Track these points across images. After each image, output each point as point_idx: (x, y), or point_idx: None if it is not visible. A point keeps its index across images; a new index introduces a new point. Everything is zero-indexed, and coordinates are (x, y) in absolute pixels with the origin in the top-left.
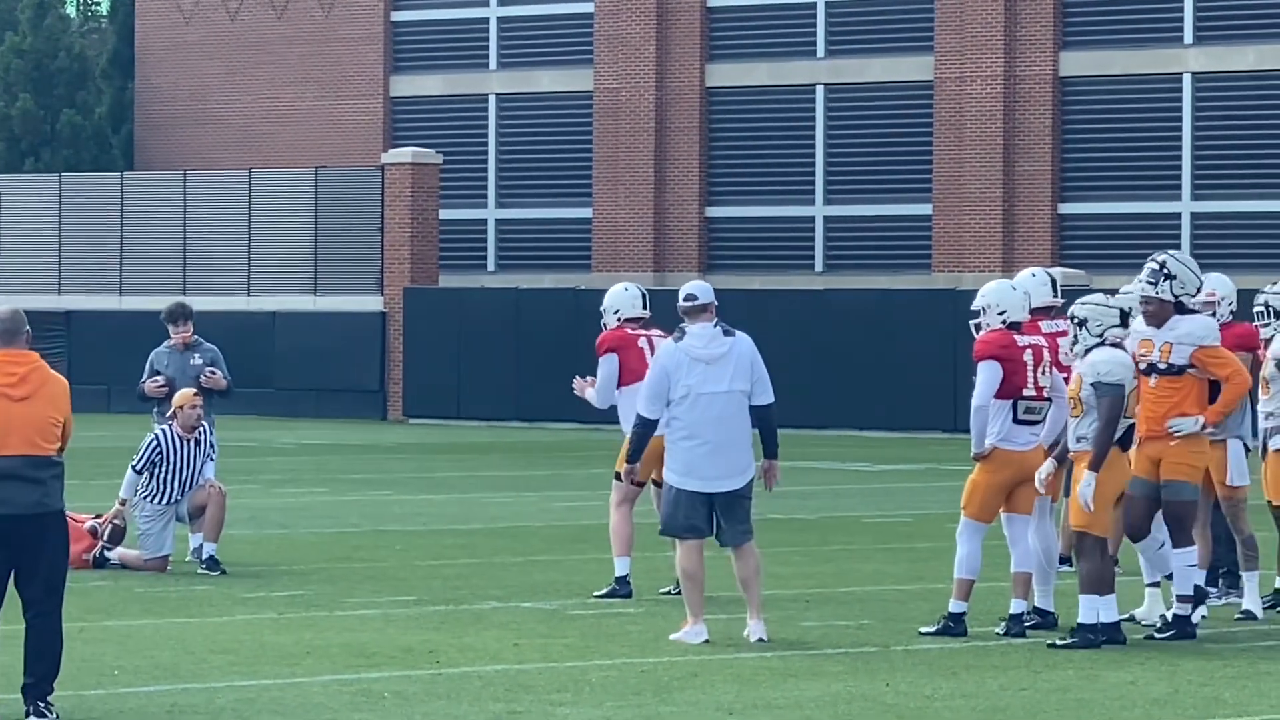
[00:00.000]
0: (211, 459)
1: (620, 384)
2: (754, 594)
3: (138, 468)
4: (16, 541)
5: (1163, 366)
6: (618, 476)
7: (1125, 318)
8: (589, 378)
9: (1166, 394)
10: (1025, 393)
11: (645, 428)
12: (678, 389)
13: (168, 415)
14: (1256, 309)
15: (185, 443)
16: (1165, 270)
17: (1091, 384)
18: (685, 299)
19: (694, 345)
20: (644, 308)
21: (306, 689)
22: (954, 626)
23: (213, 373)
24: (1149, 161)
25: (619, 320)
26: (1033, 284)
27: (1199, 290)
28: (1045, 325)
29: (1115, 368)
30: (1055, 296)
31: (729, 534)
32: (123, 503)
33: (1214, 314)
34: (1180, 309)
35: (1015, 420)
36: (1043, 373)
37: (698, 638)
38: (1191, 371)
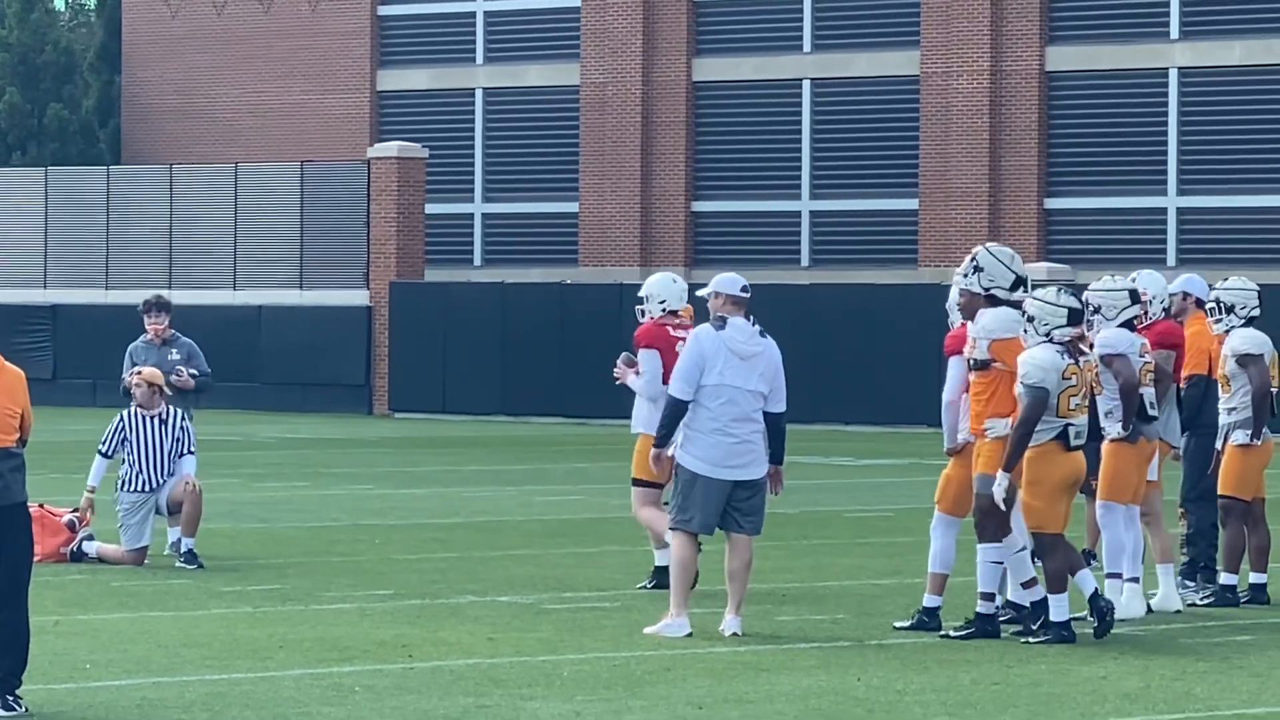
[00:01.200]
0: (191, 452)
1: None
2: (738, 589)
3: (104, 450)
4: None
5: (971, 361)
6: (635, 483)
7: (1081, 315)
8: (633, 363)
9: (980, 389)
10: None
11: (677, 410)
12: (710, 376)
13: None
14: (1208, 305)
15: (150, 420)
16: (975, 262)
17: (1020, 384)
18: (742, 290)
19: (735, 338)
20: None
21: (278, 683)
22: (928, 621)
23: (180, 374)
24: (1135, 156)
25: (664, 310)
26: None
27: (1020, 284)
28: None
29: (1034, 369)
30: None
31: (739, 521)
32: (91, 490)
33: (1145, 312)
34: (993, 301)
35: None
36: None
37: (680, 630)
38: (998, 365)
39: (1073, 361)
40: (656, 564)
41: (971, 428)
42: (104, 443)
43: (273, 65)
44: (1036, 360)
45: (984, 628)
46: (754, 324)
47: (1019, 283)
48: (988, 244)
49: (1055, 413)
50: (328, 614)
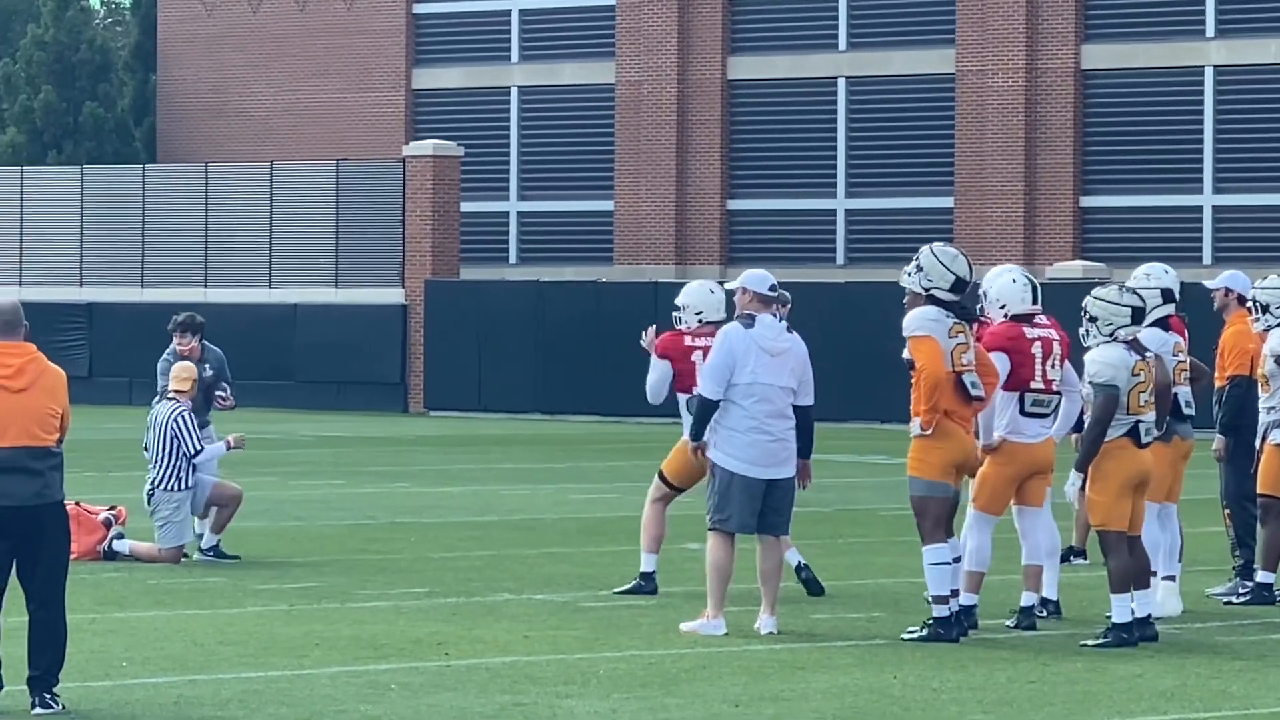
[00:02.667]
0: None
1: (679, 389)
2: (772, 589)
3: (198, 448)
4: (17, 533)
5: (905, 359)
6: (660, 475)
7: (1142, 314)
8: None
9: (911, 388)
10: (1033, 385)
11: (707, 409)
12: (742, 374)
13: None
14: (1248, 305)
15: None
16: (918, 262)
17: (1089, 384)
18: (770, 289)
19: (765, 335)
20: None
21: (314, 680)
22: (965, 619)
23: (224, 398)
24: (1170, 155)
25: (700, 321)
26: (1014, 290)
27: (960, 284)
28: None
29: (1103, 368)
30: (1036, 304)
31: (768, 521)
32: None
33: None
34: (933, 302)
35: (1023, 413)
36: (1052, 365)
37: (717, 630)
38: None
39: (1140, 358)
40: (643, 569)
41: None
42: (192, 446)
43: (308, 63)
44: (1106, 359)
45: (937, 631)
46: (780, 320)
47: (959, 284)
48: (934, 244)
49: (1126, 410)
50: (363, 612)
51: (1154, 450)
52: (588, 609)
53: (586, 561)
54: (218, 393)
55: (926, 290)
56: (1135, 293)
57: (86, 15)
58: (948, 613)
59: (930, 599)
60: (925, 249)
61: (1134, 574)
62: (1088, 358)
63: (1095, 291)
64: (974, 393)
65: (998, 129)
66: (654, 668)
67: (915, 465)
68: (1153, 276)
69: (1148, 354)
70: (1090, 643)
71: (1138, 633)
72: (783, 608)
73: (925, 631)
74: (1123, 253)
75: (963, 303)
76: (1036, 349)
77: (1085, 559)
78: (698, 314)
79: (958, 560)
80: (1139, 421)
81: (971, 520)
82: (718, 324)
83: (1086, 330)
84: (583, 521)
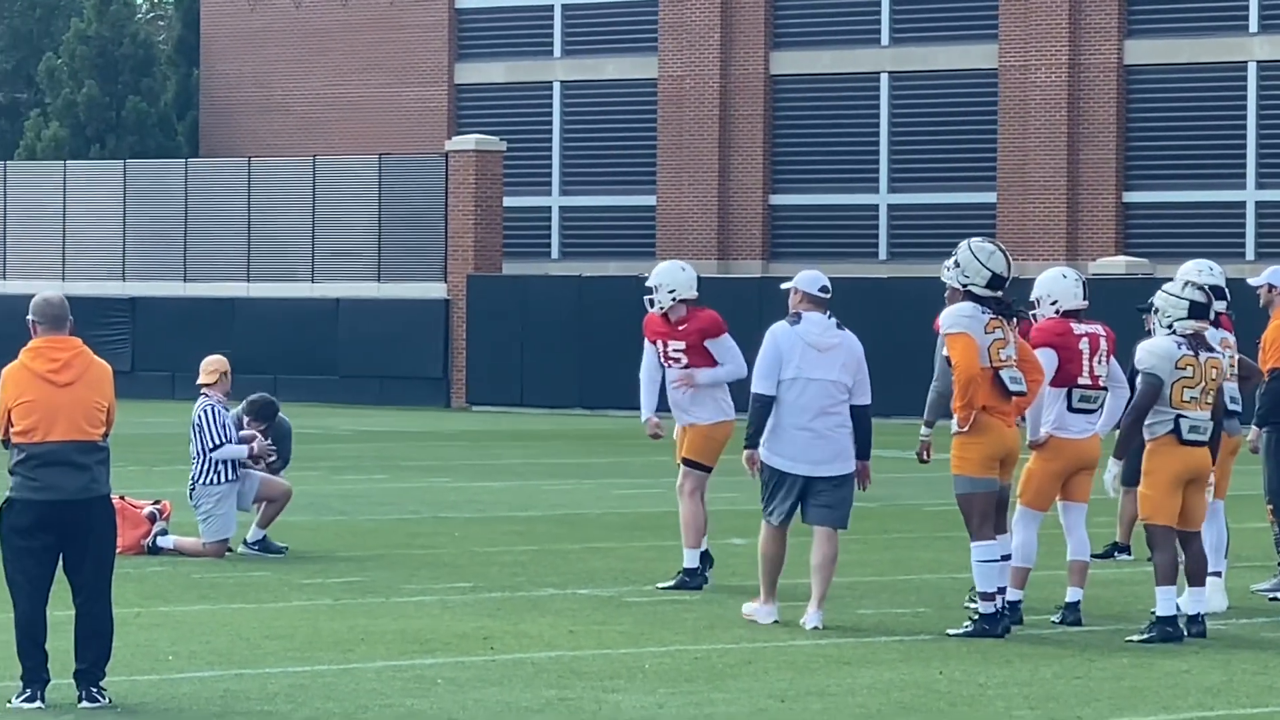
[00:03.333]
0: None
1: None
2: (821, 582)
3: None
4: (64, 526)
5: (944, 356)
6: (685, 463)
7: (1204, 309)
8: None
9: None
10: (1080, 381)
11: (762, 407)
12: (788, 370)
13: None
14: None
15: (227, 409)
16: (956, 257)
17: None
18: (820, 289)
19: (811, 331)
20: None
21: (360, 675)
22: (1010, 614)
23: (272, 452)
24: (1213, 150)
25: (673, 299)
26: (1064, 286)
27: (997, 281)
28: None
29: (1147, 356)
30: (1085, 300)
31: (819, 513)
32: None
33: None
34: (971, 298)
35: (1070, 409)
36: (1099, 361)
37: (768, 618)
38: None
39: (1190, 354)
40: (686, 565)
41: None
42: (217, 438)
43: (351, 58)
44: (1152, 348)
45: (983, 627)
46: (830, 317)
47: (995, 280)
48: (973, 239)
49: (1168, 403)
50: (408, 606)
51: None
52: (632, 604)
53: (630, 556)
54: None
55: (964, 286)
56: (1201, 288)
57: (129, 9)
58: (994, 609)
59: (975, 596)
60: (964, 244)
61: (1189, 570)
62: (1138, 346)
63: (1166, 284)
64: (1013, 388)
65: (1040, 124)
66: (700, 662)
67: (957, 463)
68: (1204, 273)
69: (1214, 353)
70: (1135, 638)
71: (1191, 629)
72: (828, 602)
73: (971, 628)
74: (1166, 248)
75: (1002, 298)
76: (1084, 345)
77: (1130, 555)
78: (671, 292)
79: (1007, 558)
80: (1180, 416)
81: (1018, 516)
82: (691, 301)
83: (1154, 324)
84: (626, 516)
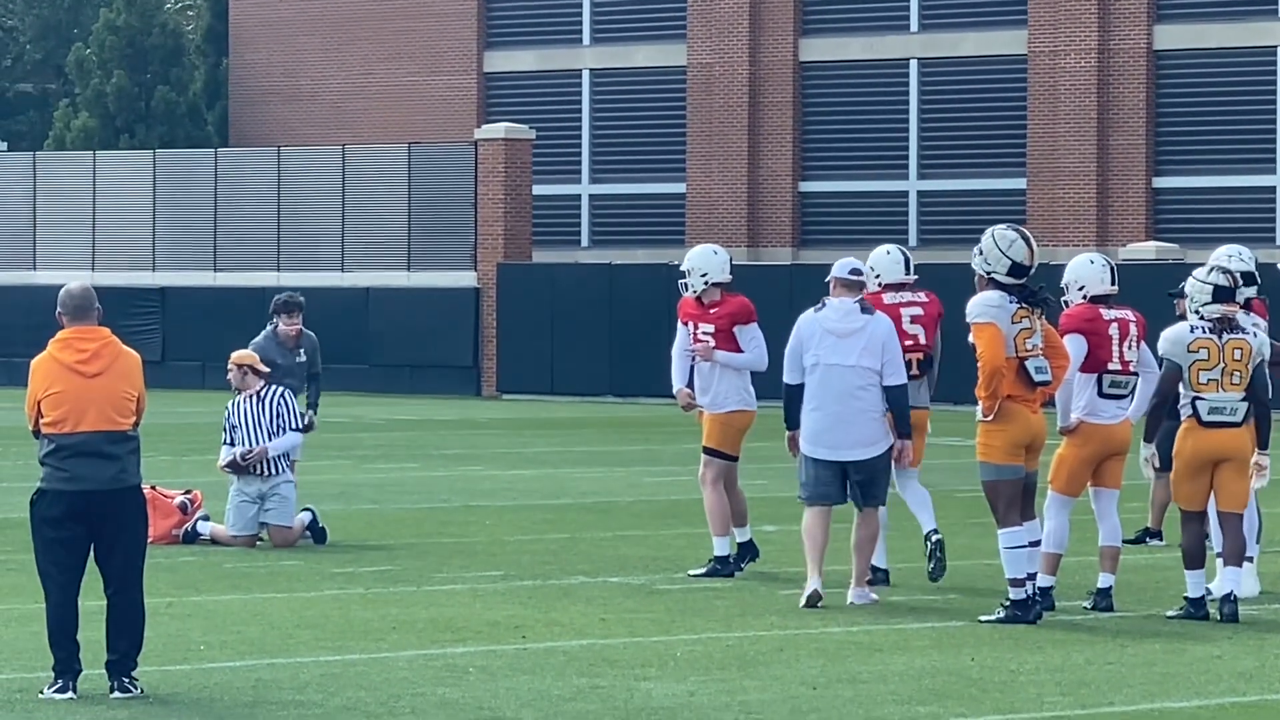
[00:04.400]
0: (297, 429)
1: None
2: (861, 560)
3: (228, 441)
4: (95, 517)
5: (970, 343)
6: (706, 451)
7: (1229, 293)
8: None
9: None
10: (1110, 367)
11: (789, 393)
12: (809, 356)
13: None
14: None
15: (249, 401)
16: (980, 245)
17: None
18: (851, 272)
19: (830, 317)
20: (907, 272)
21: (391, 664)
22: (1042, 600)
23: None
24: (1243, 135)
25: (705, 283)
26: (1091, 271)
27: (1018, 269)
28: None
29: (1163, 343)
30: (1113, 285)
31: (854, 494)
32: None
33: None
34: (995, 285)
35: (1100, 394)
36: (1129, 347)
37: (808, 589)
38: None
39: (1207, 336)
40: (716, 553)
41: None
42: (224, 437)
43: (380, 47)
44: (1166, 334)
45: (1014, 614)
46: (856, 302)
47: (1016, 268)
48: (997, 227)
49: (1189, 386)
50: (440, 595)
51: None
52: (663, 591)
53: (661, 544)
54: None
55: (988, 274)
56: (1228, 273)
57: (158, 0)
58: (1024, 595)
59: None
60: (988, 232)
61: (1227, 550)
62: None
63: (1198, 270)
64: (1038, 378)
65: (1070, 110)
66: (731, 650)
67: (982, 450)
68: (1234, 259)
69: (1241, 335)
70: (1170, 614)
71: (1223, 609)
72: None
73: (1003, 614)
74: (1196, 234)
75: (1028, 286)
76: (1114, 330)
77: (1161, 540)
78: (703, 276)
79: (1036, 544)
80: (1197, 399)
81: (1049, 502)
82: (724, 285)
83: (1184, 307)
84: (656, 504)
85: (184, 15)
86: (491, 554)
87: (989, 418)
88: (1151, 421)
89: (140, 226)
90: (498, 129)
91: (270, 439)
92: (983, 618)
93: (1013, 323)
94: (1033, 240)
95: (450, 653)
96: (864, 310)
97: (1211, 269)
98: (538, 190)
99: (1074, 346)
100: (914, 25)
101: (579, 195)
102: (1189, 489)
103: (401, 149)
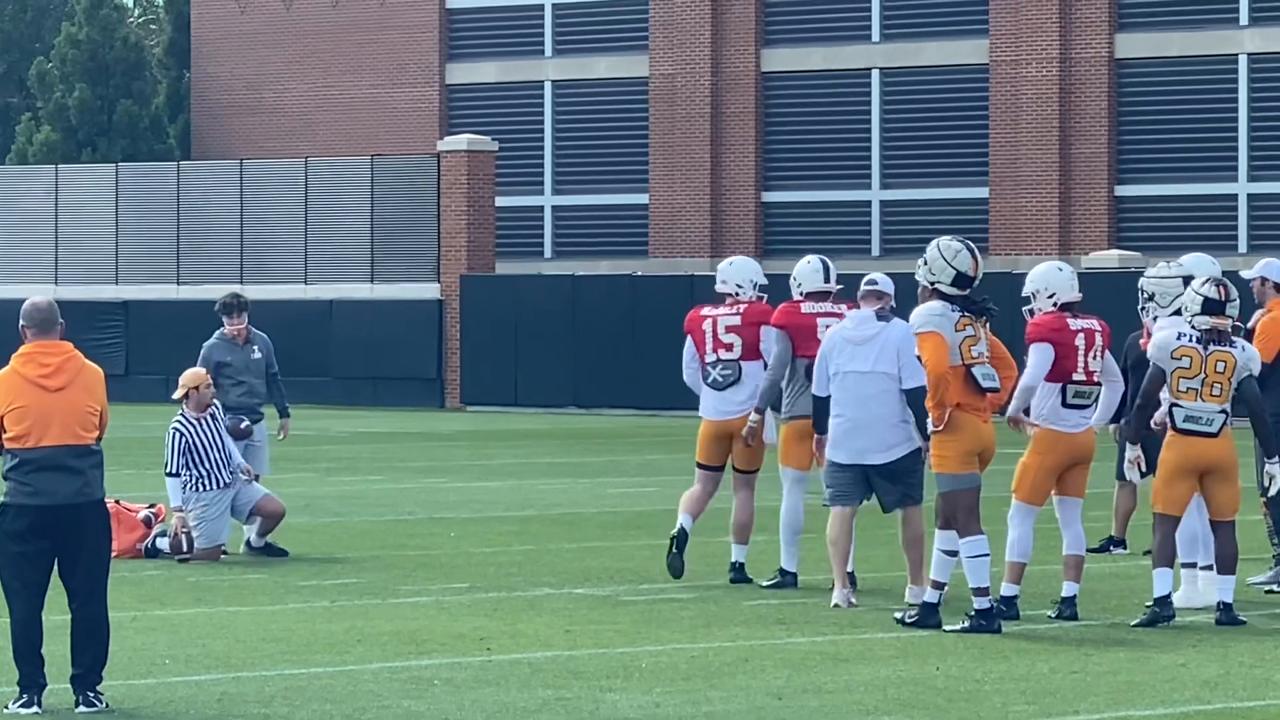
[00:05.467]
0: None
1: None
2: (912, 560)
3: (174, 471)
4: (58, 531)
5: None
6: (700, 466)
7: (1219, 305)
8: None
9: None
10: (1075, 377)
11: (817, 404)
12: (832, 366)
13: (177, 398)
14: (1141, 292)
15: (203, 422)
16: (925, 255)
17: None
18: (868, 283)
19: (847, 326)
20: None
21: (357, 677)
22: (1006, 610)
23: (247, 429)
24: (1205, 143)
25: (757, 291)
26: (1061, 279)
27: (963, 279)
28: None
29: (1151, 348)
30: (1079, 292)
31: (887, 499)
32: (179, 510)
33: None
34: (939, 296)
35: (1064, 404)
36: (1094, 357)
37: (839, 599)
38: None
39: (1191, 345)
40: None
41: None
42: (169, 464)
43: (342, 59)
44: (1154, 339)
45: (980, 623)
46: (879, 310)
47: (960, 279)
48: (942, 238)
49: (1169, 392)
50: (405, 607)
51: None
52: (628, 603)
53: (626, 555)
54: (242, 424)
55: (932, 284)
56: (1220, 284)
57: (120, 13)
58: (989, 604)
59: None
60: (933, 243)
61: (1217, 557)
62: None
63: (1148, 270)
64: (986, 385)
65: (1032, 119)
66: (696, 661)
67: (937, 461)
68: (1185, 265)
69: (1219, 347)
70: (1134, 622)
71: (1220, 617)
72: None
73: (968, 624)
74: (1158, 241)
75: (972, 296)
76: (1080, 340)
77: (1125, 549)
78: (756, 285)
79: (954, 554)
80: (1174, 405)
81: (1013, 511)
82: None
83: (1144, 308)
84: (621, 515)
85: (146, 29)
86: (456, 566)
87: (939, 427)
88: (1136, 424)
89: (103, 240)
90: (460, 141)
91: (229, 454)
92: (948, 628)
93: (956, 331)
94: (977, 252)
95: (415, 665)
96: (880, 317)
97: (1205, 281)
98: (500, 202)
99: (1041, 355)
100: (875, 35)
101: (542, 206)
102: (1170, 494)
103: (364, 161)
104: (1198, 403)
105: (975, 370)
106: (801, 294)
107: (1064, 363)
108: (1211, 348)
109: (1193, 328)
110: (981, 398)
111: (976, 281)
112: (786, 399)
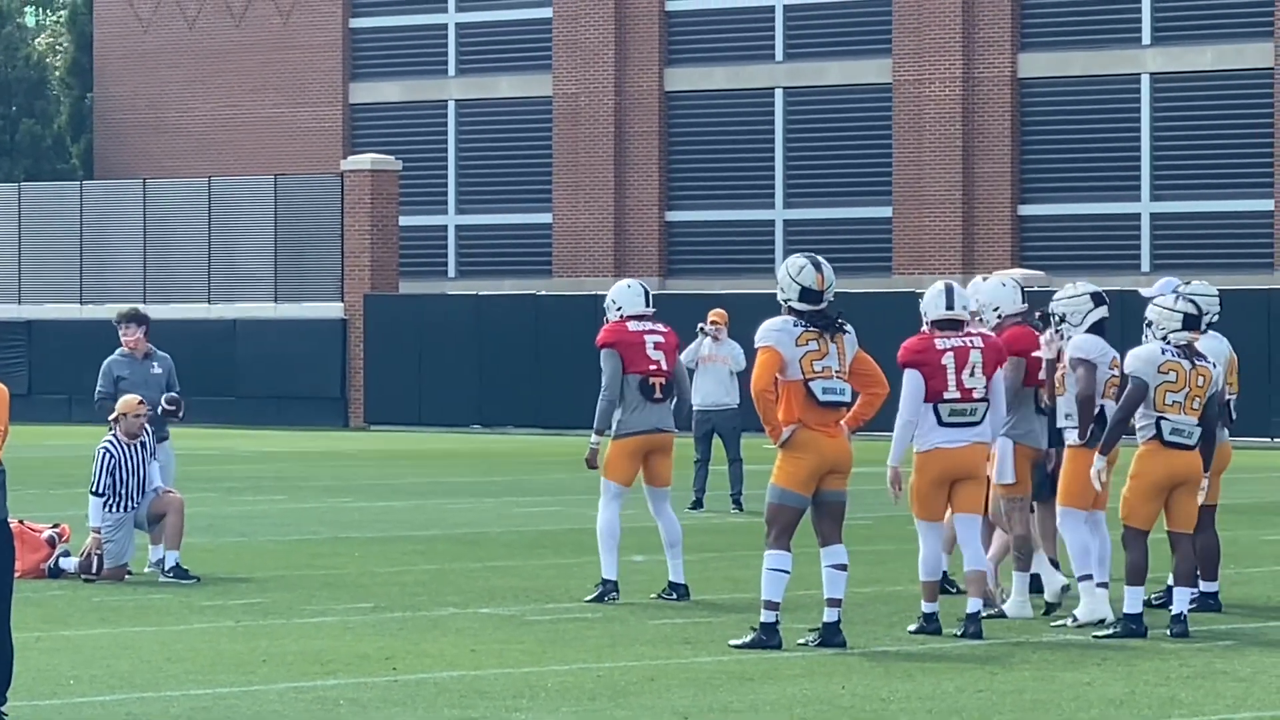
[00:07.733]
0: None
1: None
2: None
3: (99, 490)
4: None
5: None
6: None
7: (1196, 320)
8: None
9: None
10: (946, 396)
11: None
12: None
13: (110, 420)
14: (1053, 315)
15: (132, 448)
16: (777, 272)
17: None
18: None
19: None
20: (646, 304)
21: (262, 697)
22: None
23: (173, 401)
24: (1108, 162)
25: (620, 315)
26: (1004, 294)
27: (809, 294)
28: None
29: (1132, 360)
30: (952, 309)
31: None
32: (97, 531)
33: (980, 320)
34: (793, 312)
35: (940, 423)
36: (969, 373)
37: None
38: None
39: (1177, 360)
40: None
41: None
42: (96, 483)
43: (245, 78)
44: (1137, 353)
45: (760, 638)
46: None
47: (806, 294)
48: (792, 256)
49: (1153, 406)
50: (310, 627)
51: (1079, 457)
52: (534, 622)
53: (531, 575)
54: (166, 405)
55: (785, 302)
56: (1192, 300)
57: (22, 32)
58: (774, 619)
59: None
60: (784, 261)
61: (1177, 570)
62: (1129, 353)
63: (1158, 299)
64: (823, 399)
65: (935, 138)
66: (602, 680)
67: (776, 473)
68: (1080, 284)
69: (1199, 362)
70: (1101, 633)
71: (1172, 628)
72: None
73: (750, 638)
74: (1061, 260)
75: (825, 311)
76: (948, 359)
77: (1058, 568)
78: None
79: (844, 568)
80: (1161, 419)
81: (919, 530)
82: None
83: (1057, 330)
84: (526, 535)
85: (48, 48)
86: (361, 585)
87: (776, 444)
88: (1112, 437)
89: (5, 259)
90: (364, 160)
91: (145, 482)
92: (732, 642)
93: (798, 345)
94: (826, 268)
95: (321, 685)
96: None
97: (1178, 297)
98: (404, 221)
99: (909, 382)
100: (779, 54)
101: (445, 226)
102: (1147, 509)
103: (267, 180)
104: (1181, 416)
105: (813, 385)
106: (621, 316)
107: (931, 384)
108: (1193, 362)
109: (1168, 343)
110: (829, 412)
111: (826, 295)
112: (619, 416)
